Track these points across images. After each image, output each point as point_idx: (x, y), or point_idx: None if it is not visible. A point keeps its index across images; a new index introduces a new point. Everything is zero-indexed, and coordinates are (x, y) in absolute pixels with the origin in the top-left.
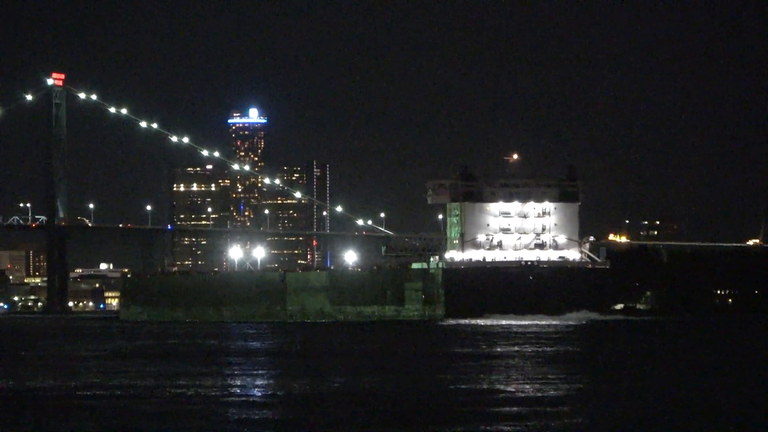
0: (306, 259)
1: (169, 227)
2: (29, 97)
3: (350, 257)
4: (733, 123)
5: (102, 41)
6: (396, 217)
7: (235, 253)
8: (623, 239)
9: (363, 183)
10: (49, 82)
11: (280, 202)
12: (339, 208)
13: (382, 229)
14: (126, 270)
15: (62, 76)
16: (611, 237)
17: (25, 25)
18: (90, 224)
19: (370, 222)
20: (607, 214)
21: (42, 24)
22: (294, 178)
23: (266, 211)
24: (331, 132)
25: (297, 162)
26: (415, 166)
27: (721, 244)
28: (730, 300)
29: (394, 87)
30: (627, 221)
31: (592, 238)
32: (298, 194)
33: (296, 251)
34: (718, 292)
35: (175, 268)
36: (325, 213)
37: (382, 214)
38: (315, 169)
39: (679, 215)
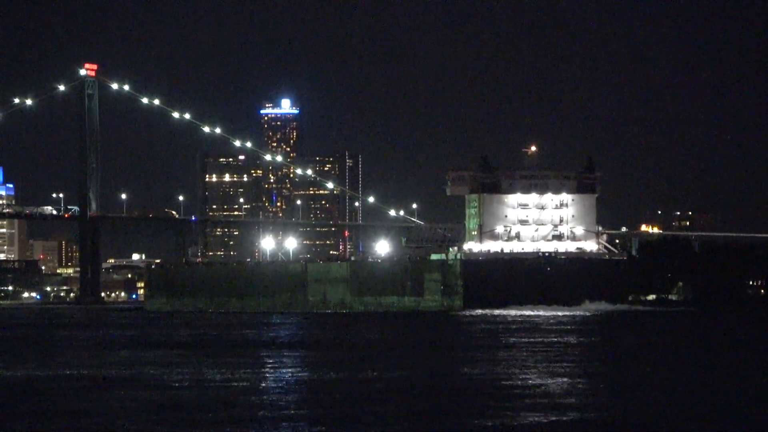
0: (338, 250)
1: (194, 218)
2: (62, 88)
3: (382, 248)
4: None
5: (134, 32)
6: (430, 207)
7: (267, 243)
8: (655, 230)
9: (395, 173)
10: (82, 72)
11: (312, 192)
12: (371, 199)
13: (415, 220)
14: (158, 261)
15: (95, 67)
16: (643, 228)
17: (58, 16)
18: (122, 215)
19: (402, 212)
20: (640, 205)
21: (74, 15)
22: (326, 168)
23: (298, 202)
24: (363, 123)
25: (329, 152)
26: (441, 158)
27: (754, 235)
28: (762, 291)
29: (421, 78)
30: (660, 212)
31: (624, 229)
32: (330, 185)
33: (328, 242)
34: (751, 282)
35: (200, 259)
36: (357, 203)
37: (414, 205)
38: (347, 160)
39: (712, 206)
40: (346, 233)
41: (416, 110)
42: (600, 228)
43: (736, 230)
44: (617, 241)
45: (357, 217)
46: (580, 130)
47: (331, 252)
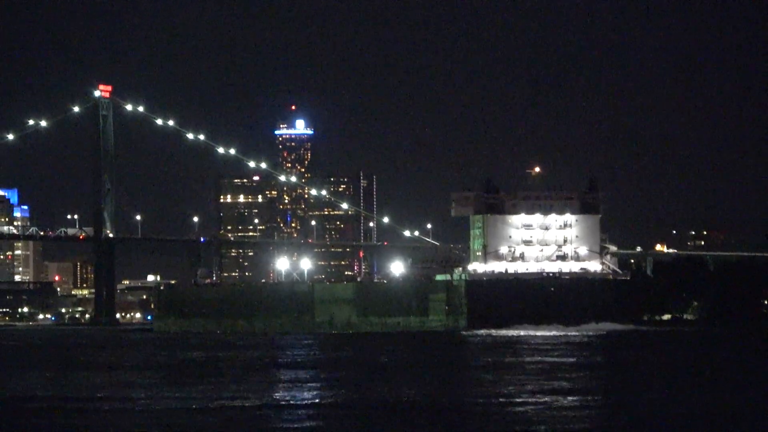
0: (353, 270)
1: (202, 239)
2: (76, 109)
3: (396, 268)
4: None
5: (148, 53)
6: (443, 227)
7: (282, 264)
8: (670, 250)
9: (410, 193)
10: (96, 93)
11: (326, 213)
12: (386, 219)
13: (429, 240)
14: (173, 281)
15: (109, 88)
16: (658, 247)
17: (72, 37)
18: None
19: (416, 233)
20: (654, 225)
21: (88, 36)
22: (341, 189)
23: (313, 222)
24: (378, 143)
25: (343, 173)
26: (451, 178)
27: None
28: None
29: (433, 99)
30: (674, 232)
31: (639, 249)
32: (344, 205)
33: (343, 262)
34: (766, 302)
35: (209, 280)
36: (371, 224)
37: (429, 225)
38: (361, 180)
39: (726, 225)
40: (361, 254)
41: (429, 131)
42: (615, 248)
43: (750, 249)
44: (632, 260)
45: (372, 238)
46: (587, 150)
47: (346, 272)
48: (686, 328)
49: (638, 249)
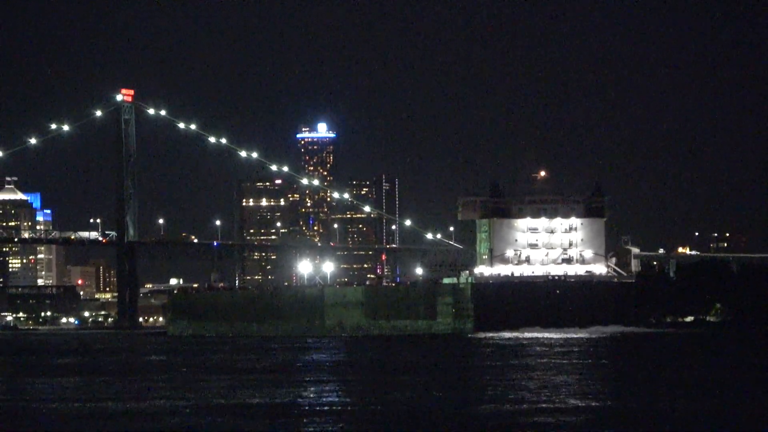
0: (375, 273)
1: (216, 243)
2: (98, 113)
3: (419, 271)
4: None
5: (170, 57)
6: (456, 230)
7: (304, 267)
8: (692, 252)
9: (432, 196)
10: (119, 98)
11: (349, 216)
12: (408, 222)
13: (452, 243)
14: (196, 285)
15: (131, 92)
16: (680, 250)
17: (94, 41)
18: (159, 238)
19: (439, 236)
20: (676, 227)
21: (110, 40)
22: (363, 192)
23: (335, 226)
24: (400, 146)
25: (366, 176)
26: (463, 182)
27: None
28: None
29: (452, 104)
30: (696, 234)
31: (662, 251)
32: (367, 208)
33: (365, 265)
34: None
35: (222, 284)
36: (394, 227)
37: (451, 228)
38: (384, 183)
39: (749, 227)
40: (384, 257)
41: (449, 134)
42: (638, 250)
43: None
44: (654, 263)
45: (394, 241)
46: (599, 154)
47: (369, 275)
48: (698, 330)
49: (661, 251)
